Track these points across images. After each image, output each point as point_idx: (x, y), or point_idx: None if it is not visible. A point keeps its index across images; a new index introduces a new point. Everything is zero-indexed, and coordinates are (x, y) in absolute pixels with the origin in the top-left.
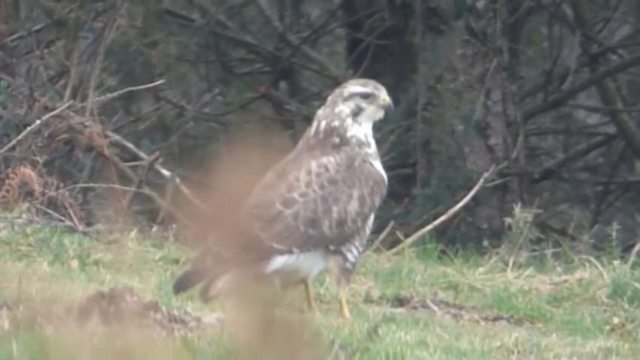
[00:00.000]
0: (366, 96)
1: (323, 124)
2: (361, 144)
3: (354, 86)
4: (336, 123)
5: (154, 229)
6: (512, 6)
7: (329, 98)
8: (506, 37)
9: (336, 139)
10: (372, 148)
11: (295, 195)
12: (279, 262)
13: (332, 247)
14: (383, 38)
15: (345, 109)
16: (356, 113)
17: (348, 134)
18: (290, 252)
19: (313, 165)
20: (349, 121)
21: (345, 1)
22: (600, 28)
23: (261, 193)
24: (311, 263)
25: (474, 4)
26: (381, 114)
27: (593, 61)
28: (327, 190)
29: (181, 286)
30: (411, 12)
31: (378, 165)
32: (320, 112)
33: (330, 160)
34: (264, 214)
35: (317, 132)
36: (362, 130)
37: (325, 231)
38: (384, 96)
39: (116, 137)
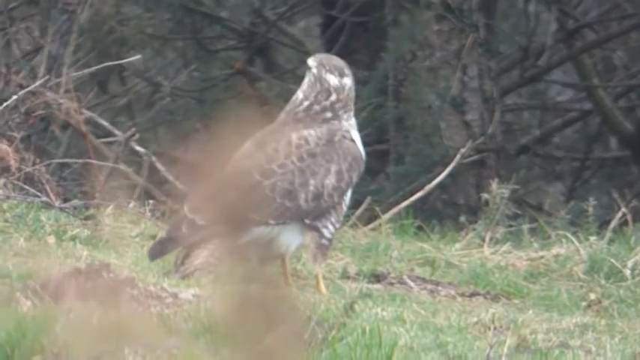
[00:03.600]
0: None
1: (334, 97)
2: (349, 117)
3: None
4: (341, 103)
5: (131, 205)
6: None
7: (349, 75)
8: (483, 12)
9: (329, 114)
10: (354, 120)
11: (274, 166)
12: (254, 233)
13: (307, 221)
14: (358, 15)
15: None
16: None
17: (342, 111)
18: (266, 223)
19: (293, 137)
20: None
21: None
22: (576, 3)
23: (240, 163)
24: (287, 237)
25: None
26: None
27: (569, 37)
28: (306, 162)
29: (156, 253)
30: None
31: (357, 136)
32: (332, 82)
33: (311, 133)
34: (241, 184)
35: (309, 107)
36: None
37: (301, 204)
38: None
39: (91, 114)
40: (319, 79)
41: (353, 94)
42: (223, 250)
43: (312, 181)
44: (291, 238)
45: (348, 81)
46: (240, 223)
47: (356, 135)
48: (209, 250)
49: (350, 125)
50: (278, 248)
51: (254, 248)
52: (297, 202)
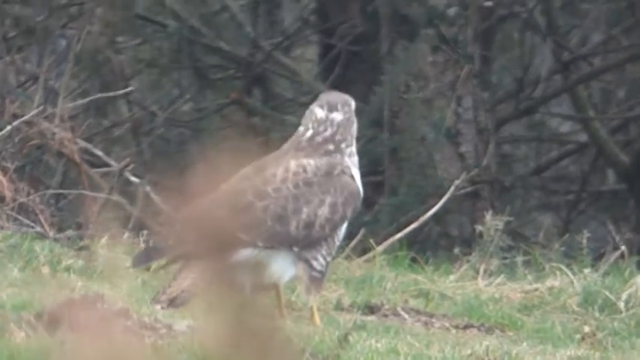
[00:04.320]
0: None
1: (328, 132)
2: (351, 154)
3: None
4: (340, 136)
5: (125, 236)
6: (484, 13)
7: (341, 112)
8: (478, 44)
9: (331, 146)
10: (356, 158)
11: (269, 189)
12: (242, 254)
13: (296, 249)
14: (355, 45)
15: (355, 124)
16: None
17: (344, 145)
18: (255, 245)
19: (292, 164)
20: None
21: (318, 8)
22: (572, 35)
23: (236, 183)
24: (278, 266)
25: (445, 12)
26: None
27: (564, 69)
28: (301, 190)
29: (140, 261)
30: (382, 19)
31: (357, 174)
32: (318, 115)
33: (310, 162)
34: (234, 203)
35: (312, 138)
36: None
37: (292, 230)
38: None
39: (86, 144)
40: (310, 110)
41: (353, 129)
42: (211, 272)
43: (305, 209)
44: (283, 268)
45: (338, 116)
46: (229, 241)
47: (356, 172)
48: (197, 273)
49: (352, 162)
50: (270, 277)
51: (244, 274)
52: (288, 227)
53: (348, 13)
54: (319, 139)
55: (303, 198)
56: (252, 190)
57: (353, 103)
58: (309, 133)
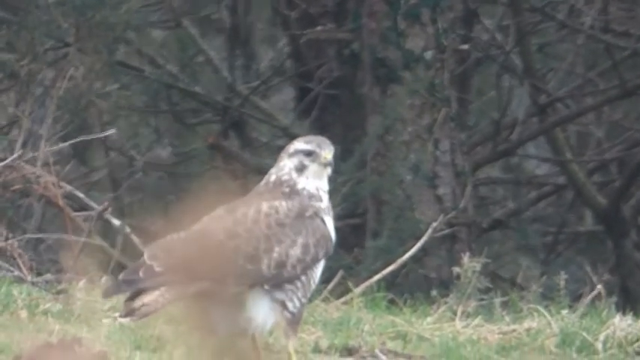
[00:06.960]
0: (308, 154)
1: (273, 177)
2: (311, 196)
3: (299, 143)
4: (285, 177)
5: (103, 279)
6: (461, 56)
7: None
8: (455, 87)
9: (286, 189)
10: (325, 203)
11: (240, 229)
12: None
13: (267, 287)
14: (331, 88)
15: (289, 163)
16: (300, 169)
17: (298, 186)
18: (226, 284)
19: (264, 205)
20: (294, 174)
21: (294, 52)
22: (549, 78)
23: (207, 222)
24: (255, 313)
25: (422, 55)
26: (328, 171)
27: (541, 111)
28: (273, 230)
29: (110, 292)
30: (359, 63)
31: (329, 221)
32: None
33: (282, 204)
34: (205, 241)
35: (267, 182)
36: (312, 184)
37: (263, 269)
38: (325, 154)
39: (68, 187)
40: None
41: (288, 168)
42: (175, 292)
43: (276, 249)
44: (262, 316)
45: (288, 162)
46: (196, 276)
47: (329, 220)
48: (160, 291)
49: (322, 209)
50: (253, 328)
51: (220, 315)
52: (259, 265)
53: (323, 57)
54: (271, 183)
55: (274, 238)
56: (223, 231)
57: (300, 145)
58: (264, 180)
